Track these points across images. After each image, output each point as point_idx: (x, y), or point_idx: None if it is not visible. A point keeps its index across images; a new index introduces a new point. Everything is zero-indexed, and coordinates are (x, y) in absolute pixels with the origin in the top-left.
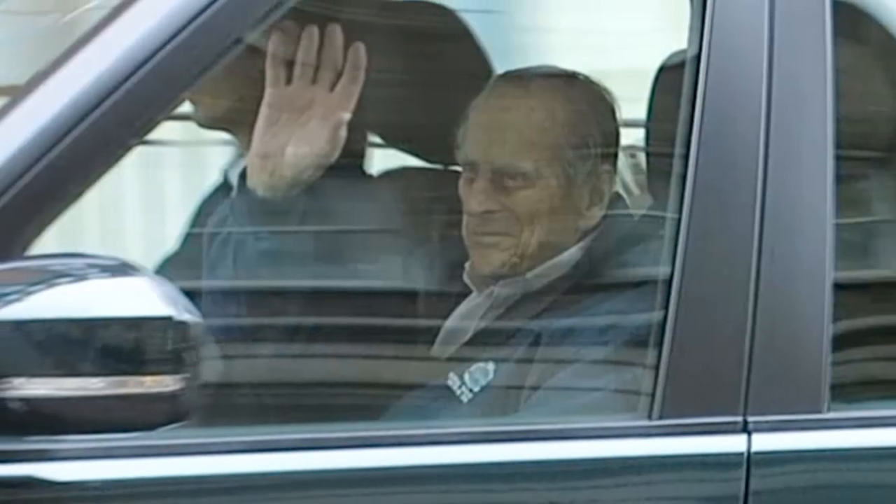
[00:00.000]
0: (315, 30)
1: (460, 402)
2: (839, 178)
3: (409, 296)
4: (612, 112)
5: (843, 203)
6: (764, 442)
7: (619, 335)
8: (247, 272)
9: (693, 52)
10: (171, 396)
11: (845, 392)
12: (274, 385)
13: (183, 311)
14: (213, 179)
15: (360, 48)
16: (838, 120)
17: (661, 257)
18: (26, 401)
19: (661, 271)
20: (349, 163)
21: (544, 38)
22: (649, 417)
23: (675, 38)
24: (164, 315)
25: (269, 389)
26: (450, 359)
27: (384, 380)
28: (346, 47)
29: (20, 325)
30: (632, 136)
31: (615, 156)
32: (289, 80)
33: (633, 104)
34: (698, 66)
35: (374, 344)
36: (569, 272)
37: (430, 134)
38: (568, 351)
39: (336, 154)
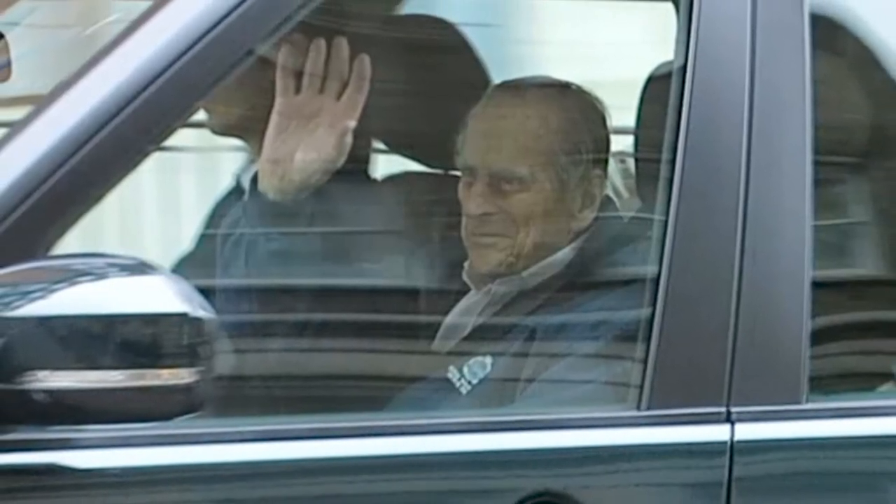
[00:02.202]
0: (322, 42)
1: (459, 393)
2: (817, 183)
3: (411, 293)
4: (603, 120)
5: (821, 206)
6: (746, 431)
7: (610, 330)
8: (258, 271)
9: (679, 63)
10: (186, 388)
11: (823, 384)
12: (283, 377)
13: (198, 308)
14: (226, 183)
15: (365, 60)
16: (816, 127)
17: (649, 257)
18: (50, 392)
19: (649, 270)
20: (355, 168)
21: (539, 51)
22: (638, 408)
23: (662, 51)
24: (179, 311)
25: (278, 382)
26: (450, 353)
27: (388, 373)
28: (352, 59)
29: (44, 321)
30: (621, 143)
31: (606, 161)
32: (298, 90)
33: (622, 112)
34: (684, 77)
35: (378, 339)
36: (562, 271)
37: (431, 140)
38: (561, 345)
39: (342, 159)
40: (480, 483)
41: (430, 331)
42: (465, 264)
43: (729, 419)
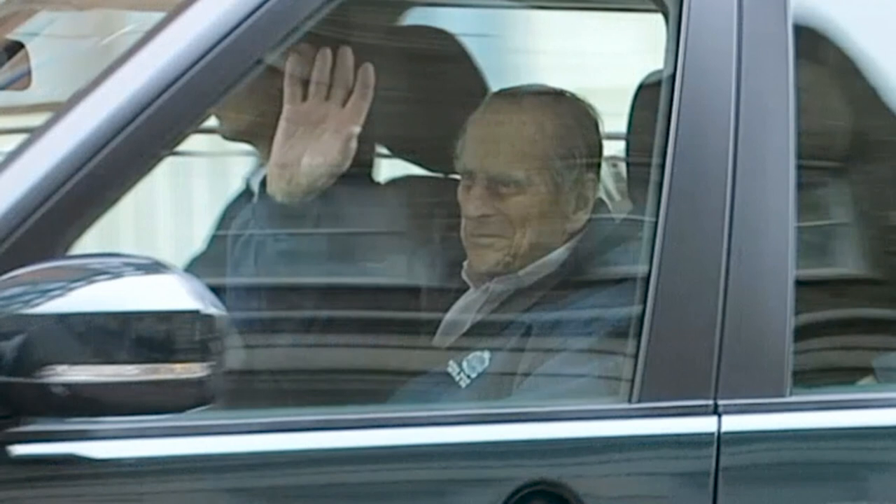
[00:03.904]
0: (328, 52)
1: (459, 387)
2: (800, 186)
3: (413, 291)
4: (596, 126)
5: (804, 208)
6: (732, 423)
7: (602, 327)
8: (266, 270)
9: (668, 72)
10: (198, 382)
11: (806, 378)
12: (291, 371)
13: (209, 305)
14: (236, 187)
15: (370, 68)
16: (800, 133)
17: (640, 257)
18: (68, 386)
19: (640, 269)
20: (359, 172)
21: (535, 60)
22: (629, 401)
23: (652, 60)
24: (192, 309)
25: (286, 375)
26: (449, 348)
27: (390, 367)
28: (357, 68)
29: (63, 318)
30: (614, 148)
31: (599, 165)
32: (304, 97)
33: (614, 119)
34: (673, 85)
35: (382, 335)
36: (557, 270)
37: (431, 145)
38: (556, 341)
39: (347, 164)
40: (479, 472)
41: (431, 327)
42: (465, 264)
43: (716, 411)
